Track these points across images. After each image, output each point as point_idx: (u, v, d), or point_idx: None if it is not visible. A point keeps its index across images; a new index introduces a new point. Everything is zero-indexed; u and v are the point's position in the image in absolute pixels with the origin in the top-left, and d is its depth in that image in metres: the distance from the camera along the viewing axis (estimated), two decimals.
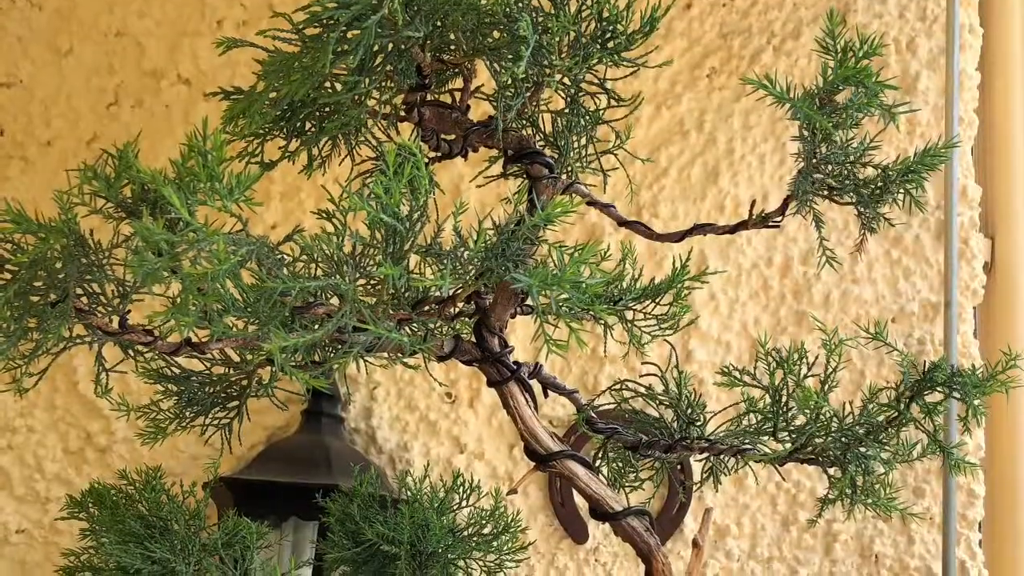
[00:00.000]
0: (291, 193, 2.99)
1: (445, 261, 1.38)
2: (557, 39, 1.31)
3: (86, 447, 2.91)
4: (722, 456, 1.63)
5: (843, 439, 1.56)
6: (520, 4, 1.28)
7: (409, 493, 1.76)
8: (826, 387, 1.56)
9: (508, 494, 1.68)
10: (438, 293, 1.33)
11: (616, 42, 1.33)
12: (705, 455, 1.64)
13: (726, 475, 1.68)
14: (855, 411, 1.58)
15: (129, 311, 1.29)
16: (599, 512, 1.53)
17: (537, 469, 1.52)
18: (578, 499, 2.80)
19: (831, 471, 1.61)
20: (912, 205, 1.50)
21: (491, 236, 1.29)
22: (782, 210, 1.49)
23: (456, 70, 1.43)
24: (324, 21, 1.18)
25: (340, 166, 1.47)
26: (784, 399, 1.57)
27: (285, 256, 1.26)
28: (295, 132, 1.40)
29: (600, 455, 1.68)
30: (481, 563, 1.75)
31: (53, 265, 1.21)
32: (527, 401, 1.49)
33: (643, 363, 1.71)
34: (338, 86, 1.30)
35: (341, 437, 2.83)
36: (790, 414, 1.57)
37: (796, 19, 3.04)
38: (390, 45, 1.27)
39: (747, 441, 1.60)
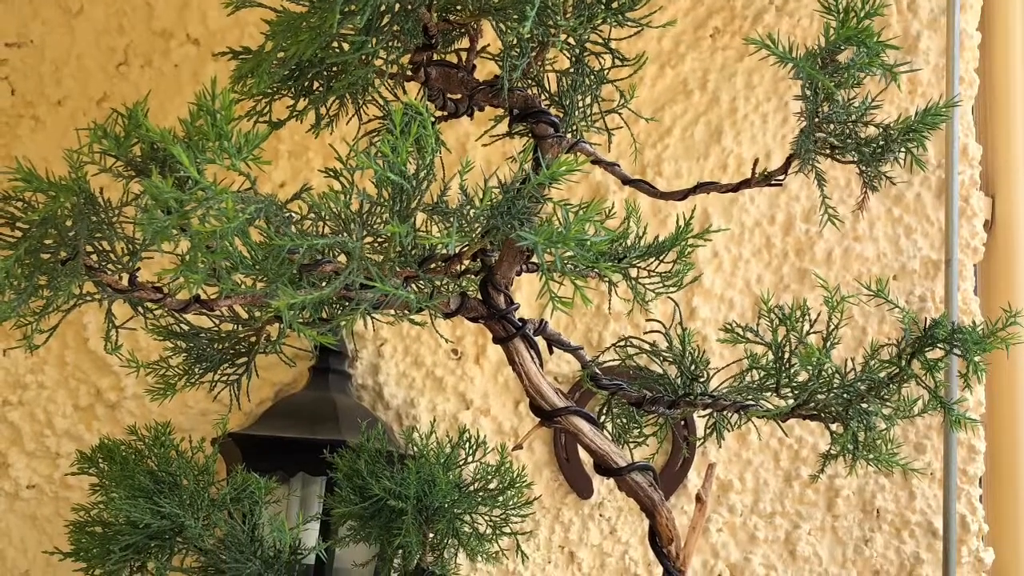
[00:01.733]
0: (299, 152, 3.00)
1: (451, 219, 1.39)
2: None
3: (96, 403, 2.92)
4: (725, 412, 1.64)
5: (845, 395, 1.57)
6: None
7: (416, 449, 1.77)
8: (828, 344, 1.57)
9: (513, 450, 1.70)
10: (444, 251, 1.34)
11: (620, 2, 1.34)
12: (708, 411, 1.65)
13: (729, 431, 1.69)
14: (857, 367, 1.59)
15: (139, 268, 1.30)
16: (603, 467, 1.54)
17: (542, 425, 1.53)
18: (583, 454, 2.82)
19: (833, 427, 1.62)
20: (913, 163, 1.51)
21: (497, 194, 1.30)
22: (785, 168, 1.50)
23: (462, 30, 1.43)
24: None
25: (347, 125, 1.47)
26: (786, 356, 1.58)
27: (293, 214, 1.27)
28: (303, 91, 1.41)
29: (604, 411, 1.70)
30: (487, 518, 1.77)
31: (63, 223, 1.22)
32: (532, 358, 1.50)
33: (647, 320, 1.73)
34: (345, 46, 1.31)
35: (348, 393, 2.84)
36: (792, 370, 1.58)
37: None
38: (397, 5, 1.28)
39: (750, 397, 1.61)
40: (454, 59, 1.46)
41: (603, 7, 1.33)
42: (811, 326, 1.56)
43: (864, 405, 1.57)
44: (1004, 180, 2.99)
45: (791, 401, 1.59)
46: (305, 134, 1.46)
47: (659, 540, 1.55)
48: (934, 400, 1.61)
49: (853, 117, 1.46)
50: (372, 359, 2.92)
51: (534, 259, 1.46)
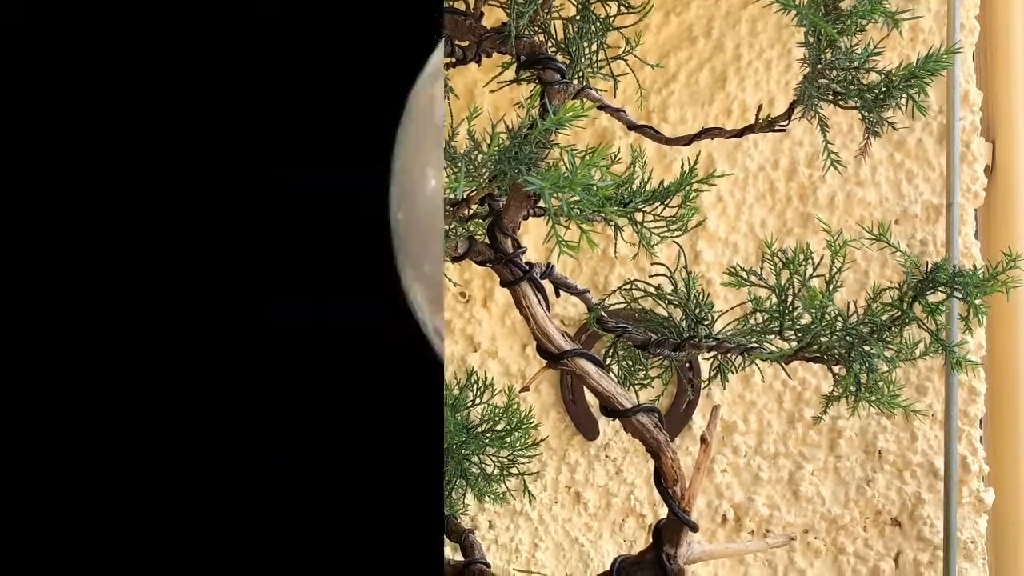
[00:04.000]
0: None
1: (459, 164, 1.41)
2: None
3: None
4: (729, 355, 1.64)
5: (847, 338, 1.58)
6: None
7: None
8: (831, 287, 1.58)
9: (521, 391, 1.72)
10: (452, 195, 1.35)
11: None
12: (713, 353, 1.65)
13: (733, 373, 1.70)
14: (859, 310, 1.60)
15: None
16: (609, 409, 1.55)
17: (549, 367, 1.54)
18: (589, 396, 2.83)
19: (836, 369, 1.63)
20: (915, 109, 1.51)
21: (504, 140, 1.31)
22: (788, 114, 1.51)
23: None
24: None
25: None
26: (790, 299, 1.59)
27: None
28: None
29: (610, 353, 1.71)
30: (494, 459, 1.79)
31: None
32: (539, 301, 1.51)
33: (652, 263, 1.74)
34: None
35: None
36: (796, 313, 1.59)
37: None
38: None
39: (754, 340, 1.62)
40: (462, 6, 1.47)
41: None
42: (814, 269, 1.57)
43: (866, 347, 1.58)
44: (1004, 126, 2.99)
45: (794, 343, 1.61)
46: None
47: (664, 481, 1.56)
48: (935, 342, 1.62)
49: (855, 64, 1.47)
50: None
51: (541, 204, 1.47)
